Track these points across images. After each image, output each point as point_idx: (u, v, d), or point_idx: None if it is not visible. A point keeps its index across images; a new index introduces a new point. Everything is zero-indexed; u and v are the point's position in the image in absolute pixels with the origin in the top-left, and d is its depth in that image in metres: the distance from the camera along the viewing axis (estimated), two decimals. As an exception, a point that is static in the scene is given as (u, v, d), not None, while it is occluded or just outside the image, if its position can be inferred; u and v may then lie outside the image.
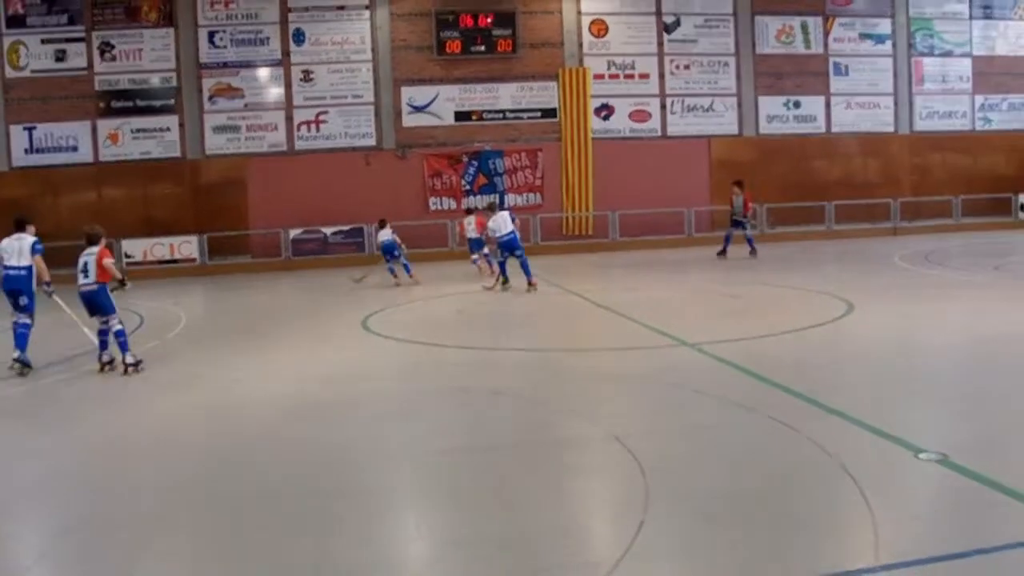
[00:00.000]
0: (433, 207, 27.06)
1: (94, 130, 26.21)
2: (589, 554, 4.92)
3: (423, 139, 27.16)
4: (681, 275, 19.27)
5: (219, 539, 5.22)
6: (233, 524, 5.41)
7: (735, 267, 20.27)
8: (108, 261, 10.54)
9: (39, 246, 10.91)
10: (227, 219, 25.74)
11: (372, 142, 27.08)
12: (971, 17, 30.27)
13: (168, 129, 26.44)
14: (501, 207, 19.36)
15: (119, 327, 10.45)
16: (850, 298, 13.49)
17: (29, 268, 10.77)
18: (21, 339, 10.54)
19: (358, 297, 17.50)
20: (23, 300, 10.68)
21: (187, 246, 25.32)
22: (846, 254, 22.22)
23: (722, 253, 21.74)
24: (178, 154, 26.50)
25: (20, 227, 11.00)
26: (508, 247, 16.61)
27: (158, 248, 25.17)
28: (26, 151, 26.00)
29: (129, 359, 10.38)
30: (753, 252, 21.54)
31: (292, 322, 15.01)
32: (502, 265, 17.03)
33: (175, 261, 25.02)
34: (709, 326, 12.01)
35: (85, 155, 26.13)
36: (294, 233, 25.39)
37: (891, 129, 29.85)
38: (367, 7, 26.91)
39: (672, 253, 24.15)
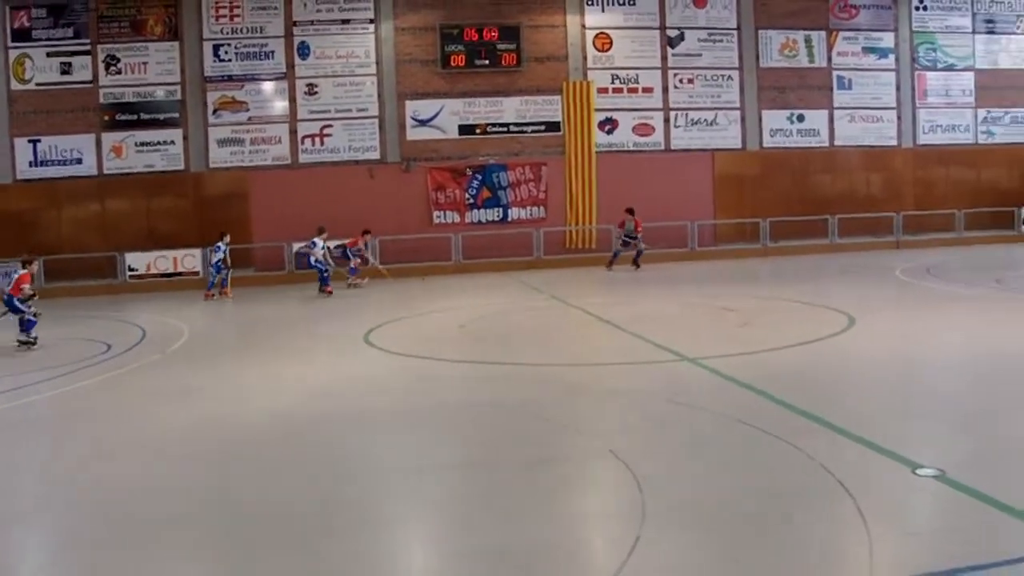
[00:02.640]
0: (437, 220, 27.07)
1: (98, 143, 26.28)
2: (586, 569, 4.94)
3: (427, 152, 27.19)
4: (684, 289, 19.24)
5: (217, 552, 5.22)
6: (230, 536, 5.41)
7: (735, 280, 20.37)
8: (25, 285, 13.86)
9: None
10: (230, 232, 25.71)
11: (376, 155, 27.13)
12: (974, 31, 30.29)
13: (172, 142, 26.51)
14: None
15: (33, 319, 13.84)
16: (851, 312, 13.48)
17: None
18: None
19: (362, 311, 17.54)
20: None
21: (190, 259, 25.32)
22: (848, 267, 22.19)
23: (610, 266, 24.33)
24: (182, 167, 26.57)
25: None
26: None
27: (161, 261, 25.17)
28: (30, 164, 26.07)
29: (25, 338, 13.73)
30: (638, 266, 24.12)
31: (295, 335, 15.06)
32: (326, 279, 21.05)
33: (178, 274, 25.02)
34: (709, 340, 12.03)
35: (89, 168, 26.18)
36: (297, 246, 25.38)
37: (894, 143, 29.85)
38: (372, 21, 27.02)
39: (676, 267, 24.13)
